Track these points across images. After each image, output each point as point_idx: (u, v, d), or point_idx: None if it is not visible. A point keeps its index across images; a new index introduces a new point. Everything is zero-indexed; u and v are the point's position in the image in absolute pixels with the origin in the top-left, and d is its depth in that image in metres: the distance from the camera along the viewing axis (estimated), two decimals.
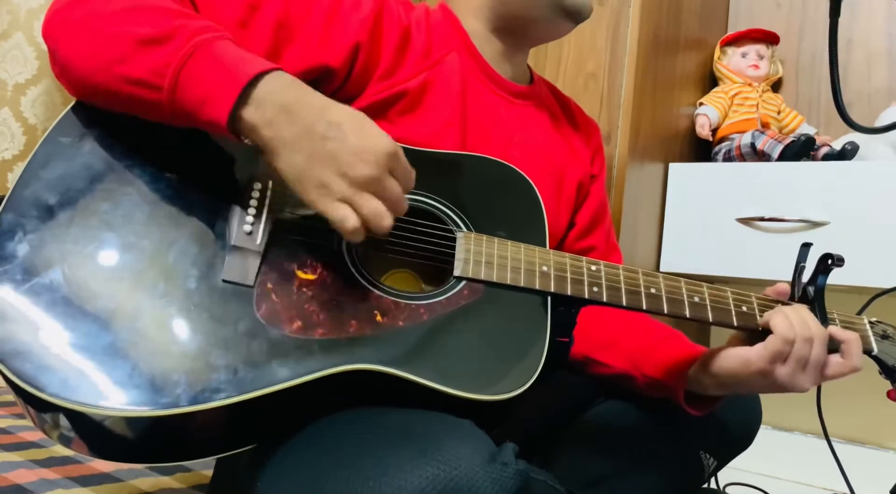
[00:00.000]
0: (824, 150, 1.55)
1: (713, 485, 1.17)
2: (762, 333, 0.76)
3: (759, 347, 0.73)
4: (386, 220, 0.63)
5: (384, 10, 0.84)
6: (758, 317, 0.78)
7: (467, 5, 0.95)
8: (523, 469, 0.58)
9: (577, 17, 0.93)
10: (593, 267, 0.77)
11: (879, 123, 1.54)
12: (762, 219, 1.47)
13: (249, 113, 0.63)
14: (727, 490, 1.32)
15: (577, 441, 0.94)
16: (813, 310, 0.79)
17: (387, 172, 0.64)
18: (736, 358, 0.75)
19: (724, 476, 1.28)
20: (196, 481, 1.18)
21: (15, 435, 1.31)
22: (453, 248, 0.75)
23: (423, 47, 0.87)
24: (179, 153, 0.70)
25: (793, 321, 0.74)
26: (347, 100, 0.82)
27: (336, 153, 0.63)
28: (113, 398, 0.57)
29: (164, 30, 0.65)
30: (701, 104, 1.73)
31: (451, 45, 0.91)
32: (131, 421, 0.59)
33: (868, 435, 1.58)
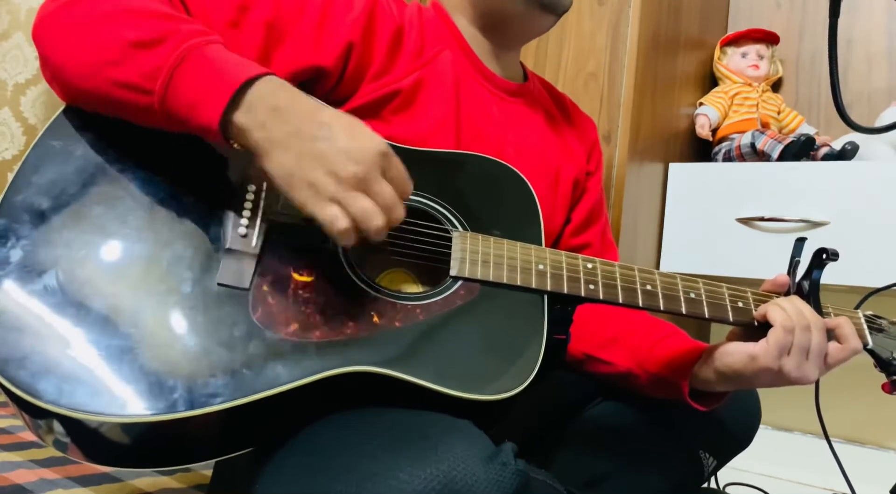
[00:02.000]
0: (824, 150, 1.55)
1: (713, 485, 1.16)
2: (759, 328, 0.76)
3: (762, 342, 0.73)
4: (376, 220, 0.62)
5: (377, 9, 0.84)
6: (753, 311, 0.78)
7: (453, 3, 0.95)
8: (522, 469, 0.58)
9: (554, 9, 0.92)
10: (589, 265, 0.77)
11: (879, 123, 1.54)
12: (762, 219, 1.47)
13: (240, 116, 0.63)
14: (727, 490, 1.32)
15: (576, 440, 0.94)
16: (808, 304, 0.79)
17: (378, 172, 0.63)
18: (739, 354, 0.75)
19: (724, 476, 1.28)
20: (196, 481, 1.18)
21: (15, 435, 1.32)
22: (449, 247, 0.75)
23: (415, 46, 0.87)
24: (172, 155, 0.70)
25: (789, 312, 0.74)
26: (341, 100, 0.82)
27: (325, 153, 0.62)
28: (109, 403, 0.57)
29: (156, 33, 0.64)
30: (701, 104, 1.73)
31: (444, 42, 0.91)
32: (128, 427, 0.58)
33: (868, 435, 1.58)
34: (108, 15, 0.66)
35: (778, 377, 0.74)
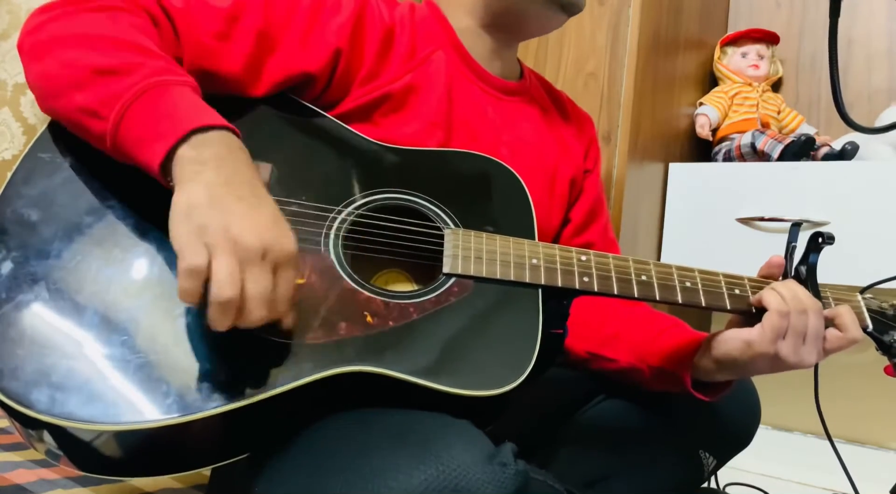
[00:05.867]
0: (824, 150, 1.55)
1: (713, 485, 1.16)
2: (757, 314, 0.76)
3: (757, 327, 0.73)
4: (228, 291, 0.55)
5: (365, 12, 0.83)
6: (750, 298, 0.77)
7: (457, 1, 0.94)
8: (522, 469, 0.58)
9: (571, 9, 0.93)
10: (583, 257, 0.76)
11: (879, 123, 1.54)
12: (762, 219, 1.47)
13: (185, 150, 0.60)
14: (727, 489, 1.32)
15: (576, 440, 0.94)
16: (806, 289, 0.79)
17: (270, 263, 0.58)
18: (736, 341, 0.74)
19: (724, 475, 1.28)
20: (196, 481, 1.18)
21: (15, 435, 1.31)
22: (442, 245, 0.75)
23: (407, 47, 0.86)
24: None
25: (784, 296, 0.73)
26: (331, 104, 0.81)
27: (238, 213, 0.57)
28: (103, 412, 0.57)
29: (124, 63, 0.64)
30: (701, 104, 1.73)
31: (437, 42, 0.90)
32: (123, 435, 0.58)
33: (868, 435, 1.58)
34: (84, 37, 0.66)
35: (776, 363, 0.73)
